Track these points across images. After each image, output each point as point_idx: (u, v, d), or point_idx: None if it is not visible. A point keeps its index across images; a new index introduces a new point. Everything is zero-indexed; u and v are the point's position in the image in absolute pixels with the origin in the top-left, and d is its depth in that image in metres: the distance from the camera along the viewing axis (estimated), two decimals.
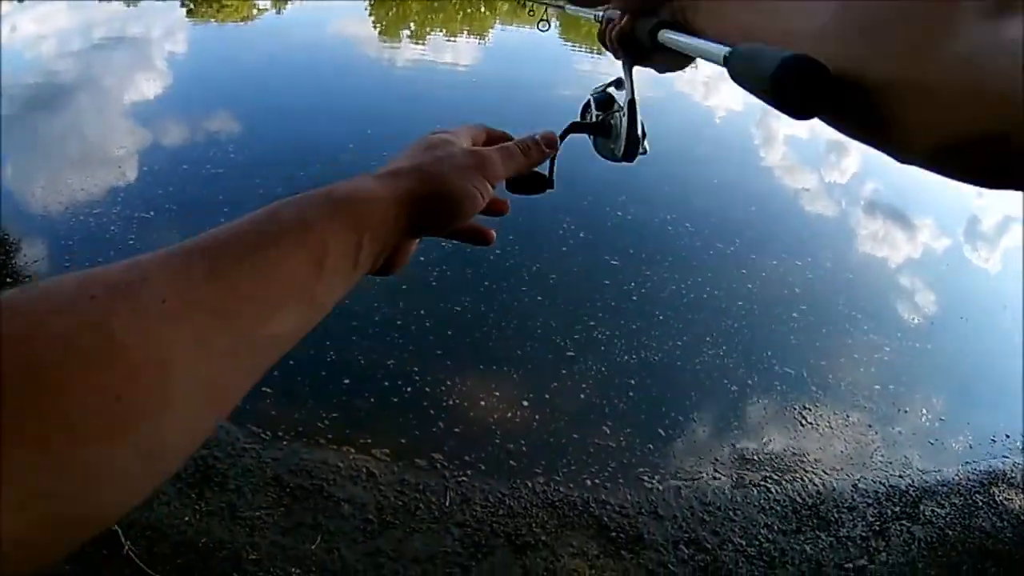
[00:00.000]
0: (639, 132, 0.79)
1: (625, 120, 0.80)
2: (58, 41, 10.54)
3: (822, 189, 11.82)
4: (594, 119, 0.86)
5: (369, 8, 18.96)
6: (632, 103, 0.80)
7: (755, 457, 4.47)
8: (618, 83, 0.88)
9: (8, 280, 4.68)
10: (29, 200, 5.79)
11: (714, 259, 6.88)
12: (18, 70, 8.82)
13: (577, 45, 19.66)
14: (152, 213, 5.67)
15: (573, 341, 5.12)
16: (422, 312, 5.03)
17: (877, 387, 5.58)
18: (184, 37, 12.40)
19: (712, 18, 0.64)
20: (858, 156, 14.86)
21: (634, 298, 5.83)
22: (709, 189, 9.35)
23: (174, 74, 10.05)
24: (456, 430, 4.07)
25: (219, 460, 3.33)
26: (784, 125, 15.79)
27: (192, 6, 14.99)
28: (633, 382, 4.88)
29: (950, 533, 4.14)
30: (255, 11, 15.93)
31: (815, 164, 13.18)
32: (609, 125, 0.83)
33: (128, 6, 14.30)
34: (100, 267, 0.39)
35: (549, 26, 1.30)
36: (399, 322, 4.90)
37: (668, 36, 0.68)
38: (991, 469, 4.92)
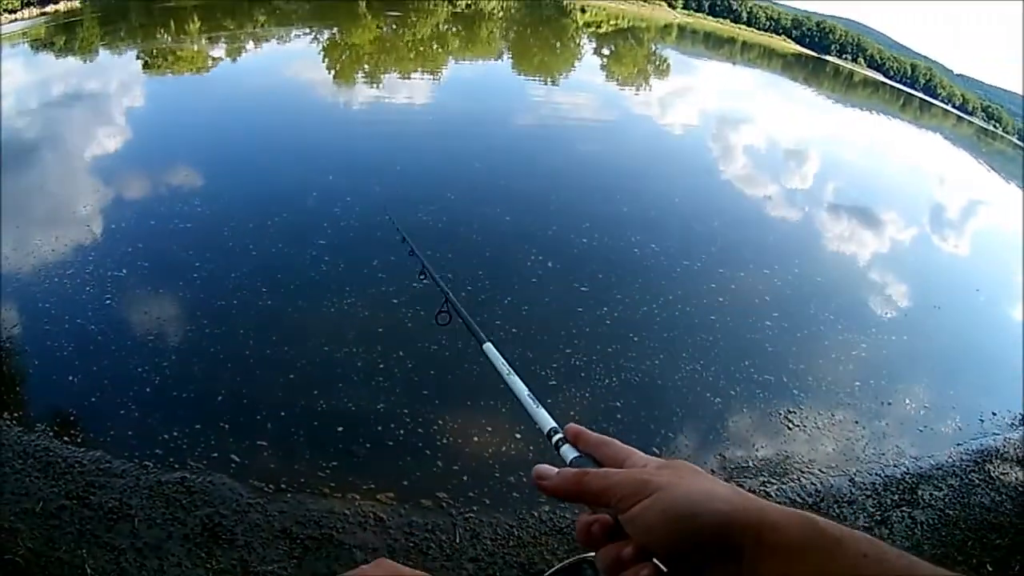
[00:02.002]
0: None
1: None
2: (15, 100, 10.32)
3: (784, 195, 12.15)
4: None
5: (322, 53, 19.02)
6: None
7: (749, 464, 4.51)
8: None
9: None
10: None
11: (683, 276, 7.01)
12: None
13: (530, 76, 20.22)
14: (124, 271, 5.50)
15: (553, 370, 5.11)
16: (401, 354, 4.97)
17: (858, 384, 5.73)
18: (141, 92, 12.22)
19: None
20: (817, 160, 15.31)
21: (607, 322, 5.87)
22: (671, 207, 9.58)
23: (135, 129, 9.82)
24: (455, 467, 4.01)
25: (225, 517, 3.21)
26: (741, 136, 16.25)
27: (148, 60, 14.82)
28: (619, 404, 4.89)
29: (951, 513, 4.23)
30: (210, 61, 15.87)
31: (775, 172, 13.62)
32: None
33: (84, 62, 14.10)
34: None
35: (450, 319, 1.21)
36: (381, 365, 4.83)
37: None
38: (983, 447, 5.08)
